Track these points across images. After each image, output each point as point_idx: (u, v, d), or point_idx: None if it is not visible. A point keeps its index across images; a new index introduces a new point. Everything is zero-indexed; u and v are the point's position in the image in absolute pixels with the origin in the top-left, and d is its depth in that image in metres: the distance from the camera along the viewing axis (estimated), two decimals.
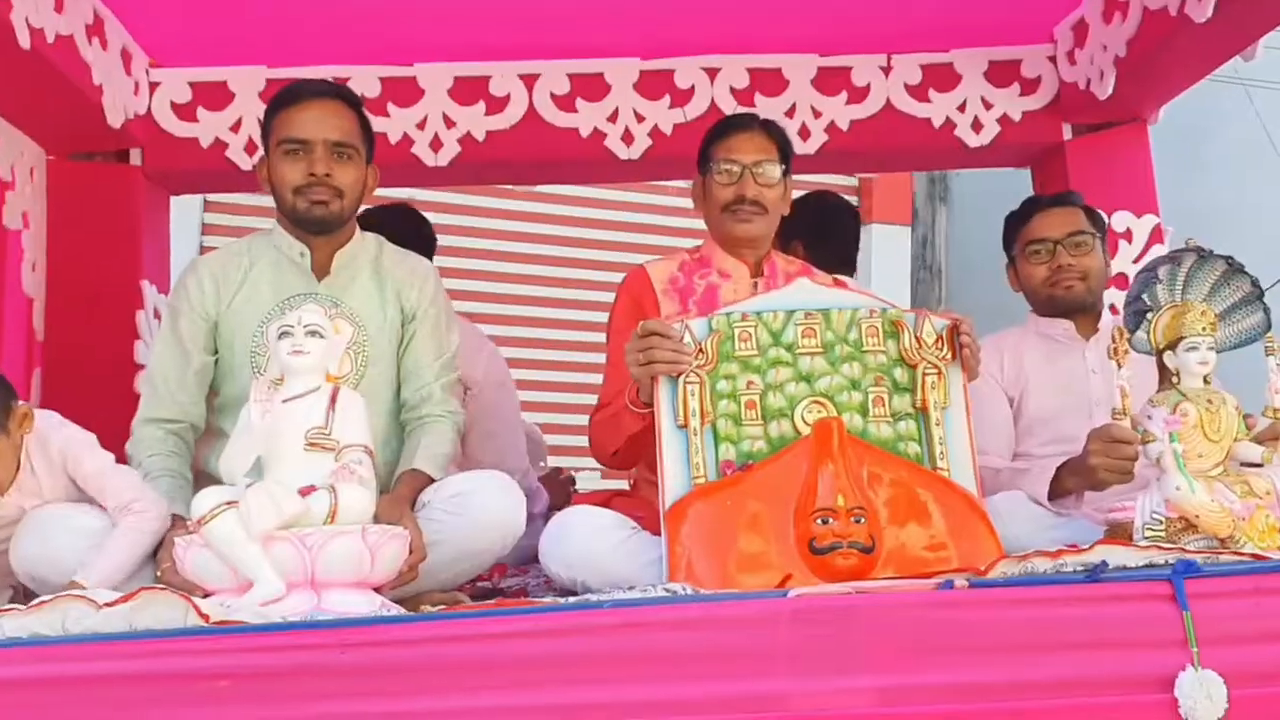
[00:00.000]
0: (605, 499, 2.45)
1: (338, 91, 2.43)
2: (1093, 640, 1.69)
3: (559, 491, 3.27)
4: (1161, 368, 2.16)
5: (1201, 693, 1.63)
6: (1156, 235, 3.60)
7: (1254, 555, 1.84)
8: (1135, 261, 3.49)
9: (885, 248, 6.57)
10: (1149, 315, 2.14)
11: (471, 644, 1.64)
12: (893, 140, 3.64)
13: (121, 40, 3.30)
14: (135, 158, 3.49)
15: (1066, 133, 3.65)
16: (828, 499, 1.98)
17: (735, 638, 1.68)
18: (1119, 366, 2.09)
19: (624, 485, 2.71)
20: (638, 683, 1.65)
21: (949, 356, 2.16)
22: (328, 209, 2.34)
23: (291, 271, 2.39)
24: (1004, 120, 3.63)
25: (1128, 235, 3.59)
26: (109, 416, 2.48)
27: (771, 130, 2.61)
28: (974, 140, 3.63)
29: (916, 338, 2.16)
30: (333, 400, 1.99)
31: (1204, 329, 2.12)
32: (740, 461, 2.10)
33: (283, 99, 2.38)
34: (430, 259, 3.17)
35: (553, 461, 3.75)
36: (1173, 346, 2.13)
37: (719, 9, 3.41)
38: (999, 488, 2.41)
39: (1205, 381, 2.13)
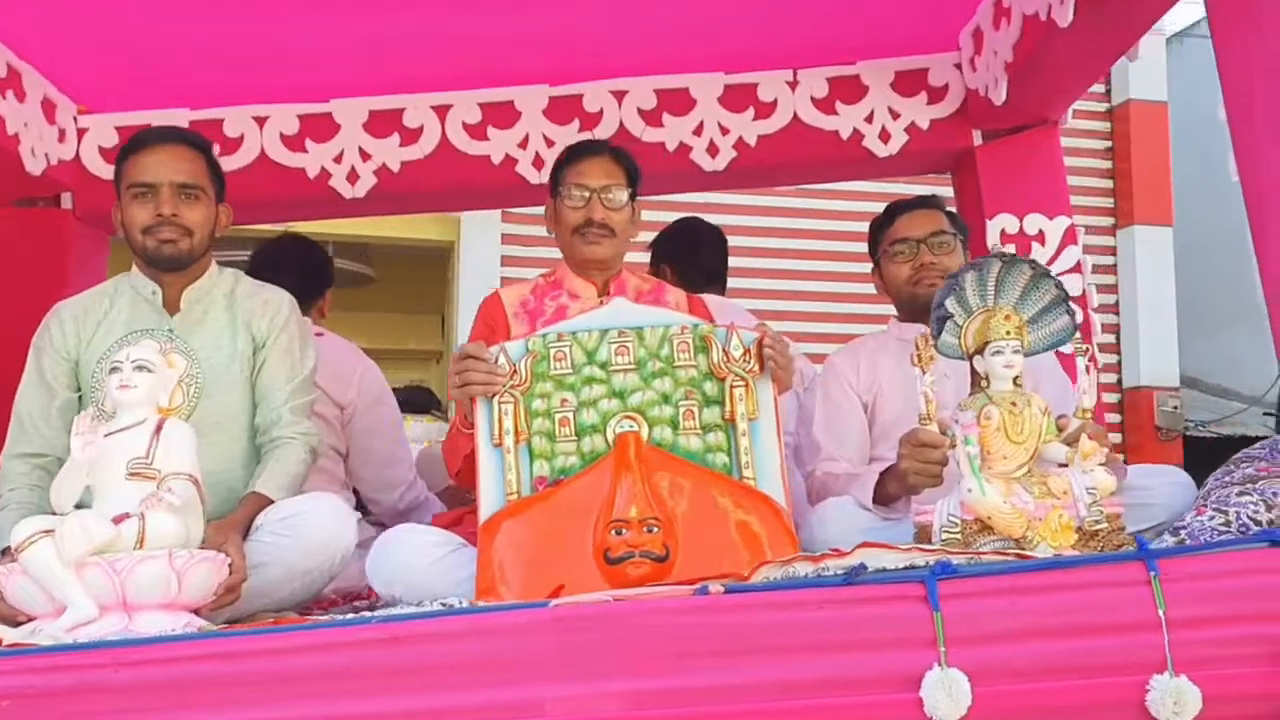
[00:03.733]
0: (458, 516, 2.51)
1: (183, 136, 2.52)
2: (845, 641, 1.72)
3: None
4: (974, 372, 2.19)
5: (944, 691, 1.66)
6: (1070, 236, 3.59)
7: (1018, 555, 1.86)
8: (1048, 264, 3.49)
9: (1146, 250, 6.71)
10: (954, 321, 2.17)
11: (240, 660, 1.71)
12: (801, 154, 3.68)
13: (43, 90, 3.44)
14: (67, 201, 3.64)
15: (976, 138, 3.65)
16: (622, 510, 2.03)
17: (499, 647, 1.73)
18: (923, 373, 2.12)
19: None
20: (405, 694, 1.71)
21: (756, 369, 2.20)
22: (176, 247, 2.44)
23: (145, 309, 2.49)
24: (912, 129, 3.65)
25: (1040, 238, 3.57)
26: None
27: (619, 156, 2.67)
28: (882, 150, 3.66)
29: (724, 351, 2.20)
30: (157, 431, 2.09)
31: (1009, 333, 2.14)
32: (553, 477, 2.16)
33: (130, 146, 2.48)
34: (328, 282, 3.28)
35: None
36: (981, 351, 2.16)
37: (625, 32, 3.46)
38: (838, 492, 2.44)
39: (1015, 384, 2.16)
